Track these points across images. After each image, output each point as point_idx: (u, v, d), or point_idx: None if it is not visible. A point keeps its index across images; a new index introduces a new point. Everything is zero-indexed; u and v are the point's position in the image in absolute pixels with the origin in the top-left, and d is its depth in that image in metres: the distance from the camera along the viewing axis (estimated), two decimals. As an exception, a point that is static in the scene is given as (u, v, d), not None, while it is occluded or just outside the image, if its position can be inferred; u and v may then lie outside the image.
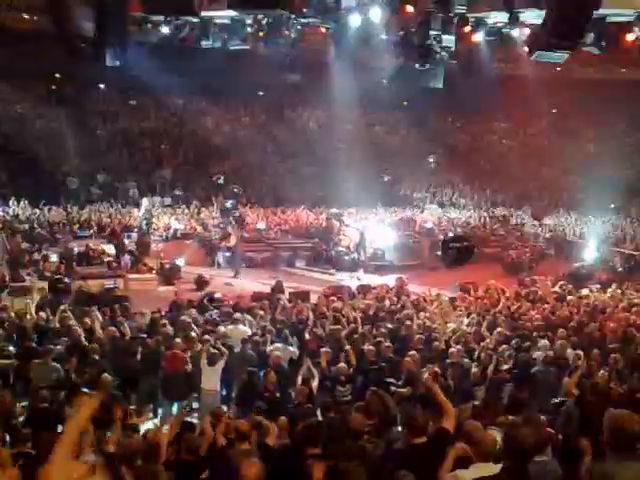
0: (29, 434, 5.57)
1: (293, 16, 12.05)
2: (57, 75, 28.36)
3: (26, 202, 21.26)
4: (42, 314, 10.21)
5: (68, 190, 22.96)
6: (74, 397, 6.47)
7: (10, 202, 21.22)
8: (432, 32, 11.78)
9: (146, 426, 6.23)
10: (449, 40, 12.07)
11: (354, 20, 11.96)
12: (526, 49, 10.86)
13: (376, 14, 11.69)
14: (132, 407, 7.84)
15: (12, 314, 10.35)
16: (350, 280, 17.71)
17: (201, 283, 15.82)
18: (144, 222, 20.58)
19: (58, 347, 8.84)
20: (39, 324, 9.91)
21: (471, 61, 13.12)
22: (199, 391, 8.91)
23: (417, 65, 12.84)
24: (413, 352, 8.85)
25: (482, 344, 9.50)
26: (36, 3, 19.96)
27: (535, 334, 10.21)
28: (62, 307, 10.34)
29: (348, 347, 9.03)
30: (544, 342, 9.58)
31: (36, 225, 19.14)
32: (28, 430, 5.73)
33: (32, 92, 27.10)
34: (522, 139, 34.65)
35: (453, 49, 12.50)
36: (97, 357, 8.62)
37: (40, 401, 6.87)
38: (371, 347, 9.10)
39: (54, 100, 27.45)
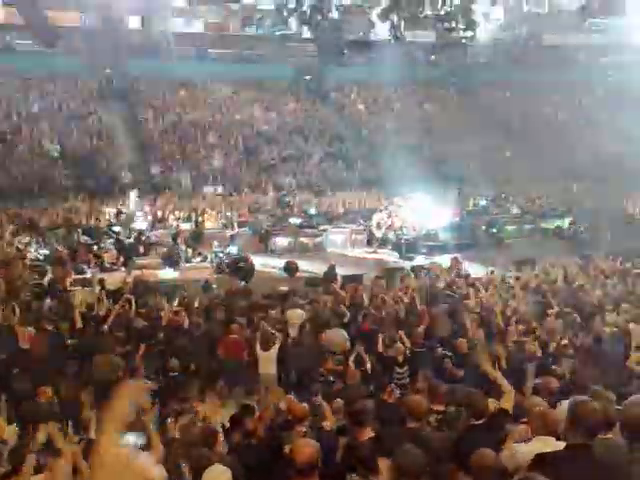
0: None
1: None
2: (107, 70, 28.95)
3: (84, 196, 21.77)
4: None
5: (123, 183, 23.39)
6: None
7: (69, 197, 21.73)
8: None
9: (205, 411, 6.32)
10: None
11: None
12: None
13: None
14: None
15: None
16: (404, 262, 17.54)
17: (292, 269, 15.88)
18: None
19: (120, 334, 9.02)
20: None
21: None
22: (257, 375, 8.98)
23: (464, 40, 12.58)
24: (470, 332, 8.67)
25: (543, 322, 9.25)
26: None
27: (599, 309, 9.90)
28: (125, 296, 10.26)
29: (400, 332, 8.85)
30: (610, 317, 9.27)
31: (93, 219, 19.55)
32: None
33: (83, 88, 27.75)
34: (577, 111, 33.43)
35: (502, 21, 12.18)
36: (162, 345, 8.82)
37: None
38: (424, 328, 8.97)
39: (105, 95, 28.05)
